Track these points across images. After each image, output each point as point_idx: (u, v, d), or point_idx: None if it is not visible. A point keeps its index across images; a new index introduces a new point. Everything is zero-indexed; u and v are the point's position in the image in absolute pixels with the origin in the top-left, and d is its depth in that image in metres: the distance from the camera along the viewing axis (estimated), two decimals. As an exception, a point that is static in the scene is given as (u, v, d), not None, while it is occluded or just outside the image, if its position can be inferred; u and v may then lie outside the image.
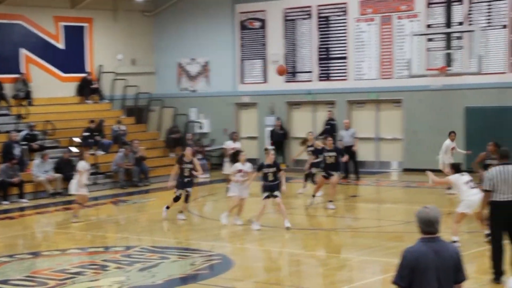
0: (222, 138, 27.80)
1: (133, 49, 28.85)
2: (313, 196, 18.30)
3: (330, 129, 25.09)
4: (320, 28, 25.66)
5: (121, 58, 28.36)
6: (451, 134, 19.63)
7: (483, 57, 21.23)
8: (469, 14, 22.49)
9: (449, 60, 20.68)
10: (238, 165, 15.92)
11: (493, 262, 10.62)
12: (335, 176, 17.84)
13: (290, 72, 26.38)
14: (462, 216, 13.07)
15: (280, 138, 26.15)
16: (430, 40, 22.77)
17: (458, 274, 6.13)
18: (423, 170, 20.77)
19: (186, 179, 16.85)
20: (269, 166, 15.51)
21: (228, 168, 18.94)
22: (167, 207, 17.02)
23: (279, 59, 26.44)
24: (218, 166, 27.21)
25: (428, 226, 6.17)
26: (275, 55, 26.58)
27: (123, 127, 25.67)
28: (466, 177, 12.98)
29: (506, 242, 10.59)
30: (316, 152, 19.10)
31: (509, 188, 10.40)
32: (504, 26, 22.18)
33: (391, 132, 24.48)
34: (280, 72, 19.40)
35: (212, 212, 19.16)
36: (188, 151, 17.24)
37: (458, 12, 22.49)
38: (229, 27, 27.66)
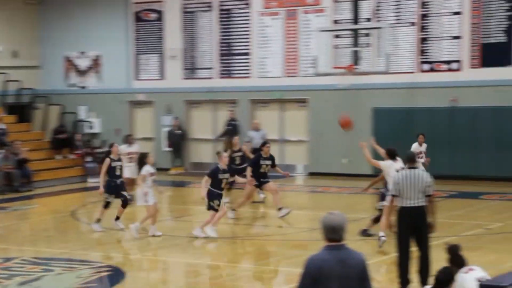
0: (114, 139, 27.47)
1: (15, 40, 28.15)
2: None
3: (231, 130, 25.20)
4: (221, 21, 25.75)
5: (1, 50, 27.67)
6: (419, 137, 18.78)
7: (392, 55, 21.73)
8: (377, 10, 23.03)
9: (356, 58, 21.09)
10: (148, 168, 15.21)
11: (400, 271, 10.89)
12: (271, 182, 17.47)
13: (189, 68, 26.37)
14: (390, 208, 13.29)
15: (178, 140, 26.10)
16: (337, 36, 23.16)
17: (363, 284, 6.25)
18: (329, 174, 21.30)
19: (118, 180, 16.20)
20: (225, 171, 15.02)
21: (129, 172, 18.49)
22: (98, 220, 16.25)
23: (177, 54, 26.39)
24: (109, 169, 26.96)
25: (332, 233, 6.28)
26: (172, 50, 26.51)
27: (2, 126, 25.04)
28: (399, 164, 13.27)
29: (413, 249, 10.91)
30: (244, 158, 18.89)
31: (416, 193, 10.70)
32: (413, 24, 22.81)
33: (296, 134, 24.79)
34: (344, 125, 17.43)
35: (103, 219, 18.88)
36: (116, 147, 16.59)
37: (366, 8, 22.98)
38: (122, 19, 27.42)
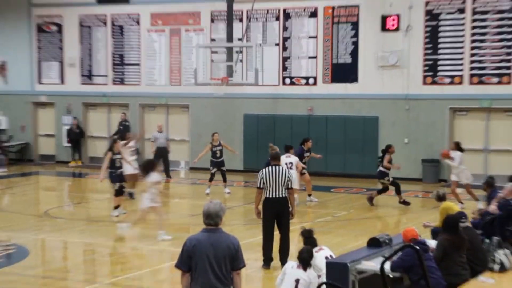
0: (19, 135, 26.88)
1: None
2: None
3: (123, 130, 25.02)
4: (114, 35, 25.52)
5: None
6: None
7: (260, 70, 22.02)
8: (248, 31, 23.39)
9: (230, 71, 21.28)
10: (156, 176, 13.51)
11: (264, 250, 11.26)
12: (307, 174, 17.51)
13: (86, 75, 26.02)
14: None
15: (76, 137, 25.74)
16: (214, 52, 23.33)
17: (234, 263, 6.48)
18: (206, 169, 21.37)
19: (119, 171, 15.79)
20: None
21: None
22: (116, 207, 15.60)
23: (76, 62, 25.99)
24: (16, 161, 26.27)
25: (207, 218, 6.52)
26: (71, 58, 26.09)
27: None
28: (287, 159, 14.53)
29: (275, 233, 11.30)
30: (222, 152, 18.79)
31: (278, 186, 11.07)
32: (277, 44, 23.31)
33: (179, 134, 24.86)
34: (445, 156, 17.38)
35: (9, 205, 18.47)
36: (118, 144, 16.08)
37: (238, 29, 23.25)
38: (26, 29, 26.72)
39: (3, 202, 19.07)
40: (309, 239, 9.21)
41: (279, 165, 11.33)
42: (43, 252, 13.05)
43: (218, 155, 18.73)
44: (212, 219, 6.45)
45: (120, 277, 10.99)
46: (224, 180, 18.79)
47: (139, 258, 12.59)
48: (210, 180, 18.84)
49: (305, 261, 8.41)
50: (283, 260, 10.92)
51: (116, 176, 15.80)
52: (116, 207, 15.72)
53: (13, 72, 27.06)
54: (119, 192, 15.72)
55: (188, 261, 6.40)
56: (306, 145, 17.52)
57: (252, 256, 11.55)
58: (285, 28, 23.18)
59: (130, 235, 14.08)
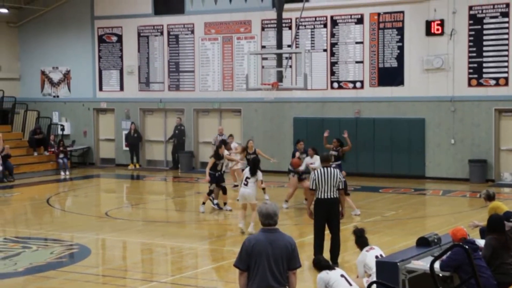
0: (82, 140, 27.17)
1: (-1, 56, 27.52)
2: (286, 201, 16.76)
3: (178, 134, 25.12)
4: (170, 44, 25.60)
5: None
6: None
7: (308, 75, 21.89)
8: (296, 38, 23.20)
9: (280, 76, 21.10)
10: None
11: (315, 250, 11.02)
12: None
13: (144, 82, 26.14)
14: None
15: (134, 141, 25.85)
16: (264, 59, 23.22)
17: (291, 262, 6.28)
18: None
19: (217, 173, 16.22)
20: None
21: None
22: (203, 203, 16.24)
23: (134, 70, 26.15)
24: (78, 164, 26.57)
25: (266, 218, 6.32)
26: (130, 67, 26.25)
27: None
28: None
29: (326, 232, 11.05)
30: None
31: (329, 187, 10.83)
32: (325, 50, 23.06)
33: (231, 137, 24.75)
34: (295, 165, 17.07)
35: (72, 206, 18.64)
36: (222, 149, 16.45)
37: (288, 36, 23.10)
38: (88, 40, 27.00)
39: (66, 203, 19.25)
40: (360, 238, 9.04)
41: (329, 166, 11.09)
42: (104, 251, 13.04)
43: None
44: (271, 218, 6.29)
45: (176, 276, 10.88)
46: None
47: (194, 257, 12.47)
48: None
49: (327, 266, 8.29)
50: (334, 259, 10.72)
51: (215, 177, 16.22)
52: (203, 203, 16.22)
53: (76, 80, 27.38)
54: (211, 192, 16.21)
55: (246, 260, 6.23)
56: (297, 146, 17.39)
57: (302, 255, 11.31)
58: (332, 35, 22.89)
59: (183, 235, 13.95)
